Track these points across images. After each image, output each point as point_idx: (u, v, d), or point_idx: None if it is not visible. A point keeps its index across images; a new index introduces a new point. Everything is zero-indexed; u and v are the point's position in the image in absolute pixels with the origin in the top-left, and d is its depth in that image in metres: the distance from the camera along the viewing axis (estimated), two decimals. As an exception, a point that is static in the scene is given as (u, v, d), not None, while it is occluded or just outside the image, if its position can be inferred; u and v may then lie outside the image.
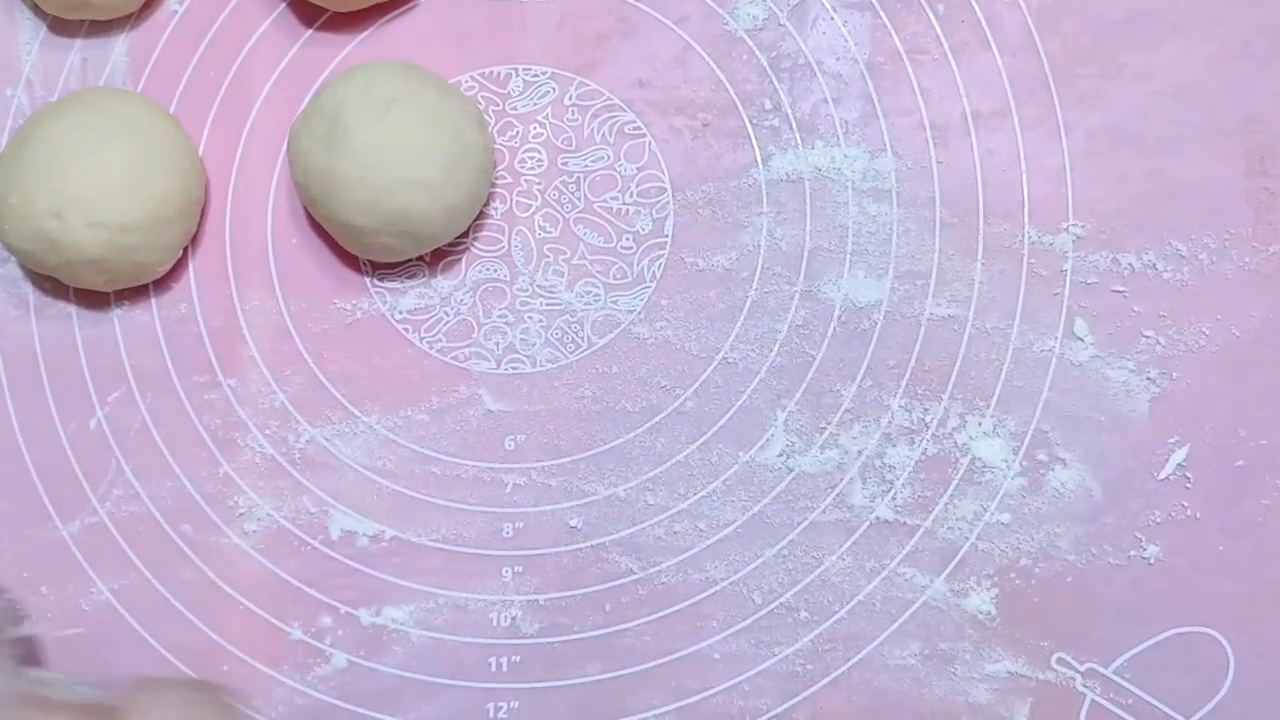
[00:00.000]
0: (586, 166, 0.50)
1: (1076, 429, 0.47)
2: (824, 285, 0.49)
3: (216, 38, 0.52)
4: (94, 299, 0.50)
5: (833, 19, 0.50)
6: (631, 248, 0.50)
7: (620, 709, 0.46)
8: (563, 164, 0.50)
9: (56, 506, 0.49)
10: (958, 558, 0.47)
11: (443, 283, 0.50)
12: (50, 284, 0.50)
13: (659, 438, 0.48)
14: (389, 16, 0.51)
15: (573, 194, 0.50)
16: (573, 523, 0.48)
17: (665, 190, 0.50)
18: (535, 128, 0.50)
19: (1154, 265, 0.48)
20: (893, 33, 0.50)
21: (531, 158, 0.50)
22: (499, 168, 0.50)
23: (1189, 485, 0.47)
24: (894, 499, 0.47)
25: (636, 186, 0.50)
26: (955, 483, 0.47)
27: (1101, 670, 0.46)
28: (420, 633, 0.47)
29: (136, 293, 0.50)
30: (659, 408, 0.48)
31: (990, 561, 0.47)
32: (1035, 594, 0.46)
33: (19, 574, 0.48)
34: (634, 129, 0.50)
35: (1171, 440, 0.47)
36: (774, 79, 0.50)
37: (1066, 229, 0.48)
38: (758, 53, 0.50)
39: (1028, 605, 0.46)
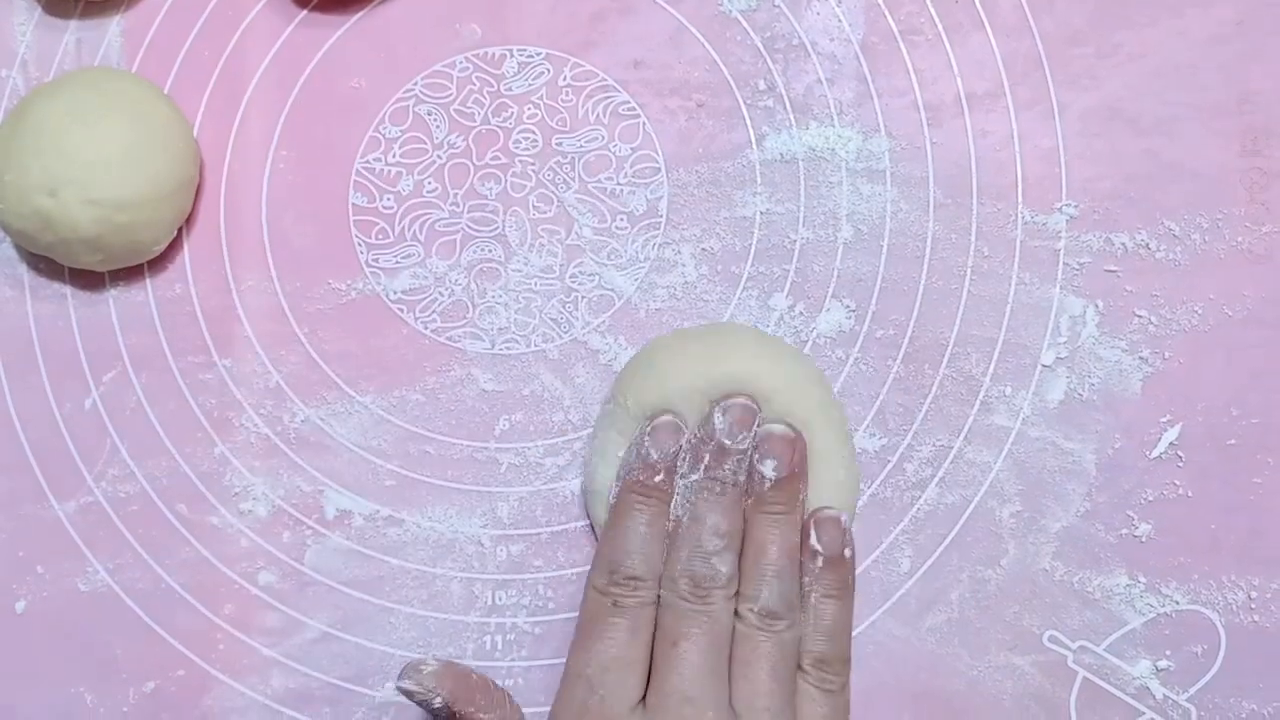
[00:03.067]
0: (581, 147, 0.50)
1: (1069, 408, 0.47)
2: (817, 264, 0.49)
3: (211, 19, 0.52)
4: (89, 279, 0.50)
5: (827, 0, 0.50)
6: (626, 228, 0.50)
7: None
8: (557, 144, 0.50)
9: (52, 486, 0.49)
10: (950, 536, 0.47)
11: (437, 263, 0.50)
12: (45, 264, 0.50)
13: (653, 417, 0.48)
14: (383, -3, 0.51)
15: (567, 174, 0.50)
16: (567, 501, 0.48)
17: (660, 170, 0.50)
18: (530, 109, 0.50)
19: (1147, 245, 0.48)
20: (887, 13, 0.50)
21: (526, 138, 0.50)
22: (494, 148, 0.50)
23: (1181, 464, 0.47)
24: (888, 478, 0.47)
25: (631, 167, 0.50)
26: (950, 459, 0.47)
27: (1093, 648, 0.46)
28: (413, 611, 0.47)
29: (131, 273, 0.50)
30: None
31: (983, 541, 0.47)
32: (1027, 573, 0.46)
33: (15, 553, 0.49)
34: (628, 110, 0.50)
35: (1164, 419, 0.47)
36: (768, 60, 0.50)
37: (1060, 209, 0.48)
38: (752, 34, 0.50)
39: (1020, 583, 0.46)
